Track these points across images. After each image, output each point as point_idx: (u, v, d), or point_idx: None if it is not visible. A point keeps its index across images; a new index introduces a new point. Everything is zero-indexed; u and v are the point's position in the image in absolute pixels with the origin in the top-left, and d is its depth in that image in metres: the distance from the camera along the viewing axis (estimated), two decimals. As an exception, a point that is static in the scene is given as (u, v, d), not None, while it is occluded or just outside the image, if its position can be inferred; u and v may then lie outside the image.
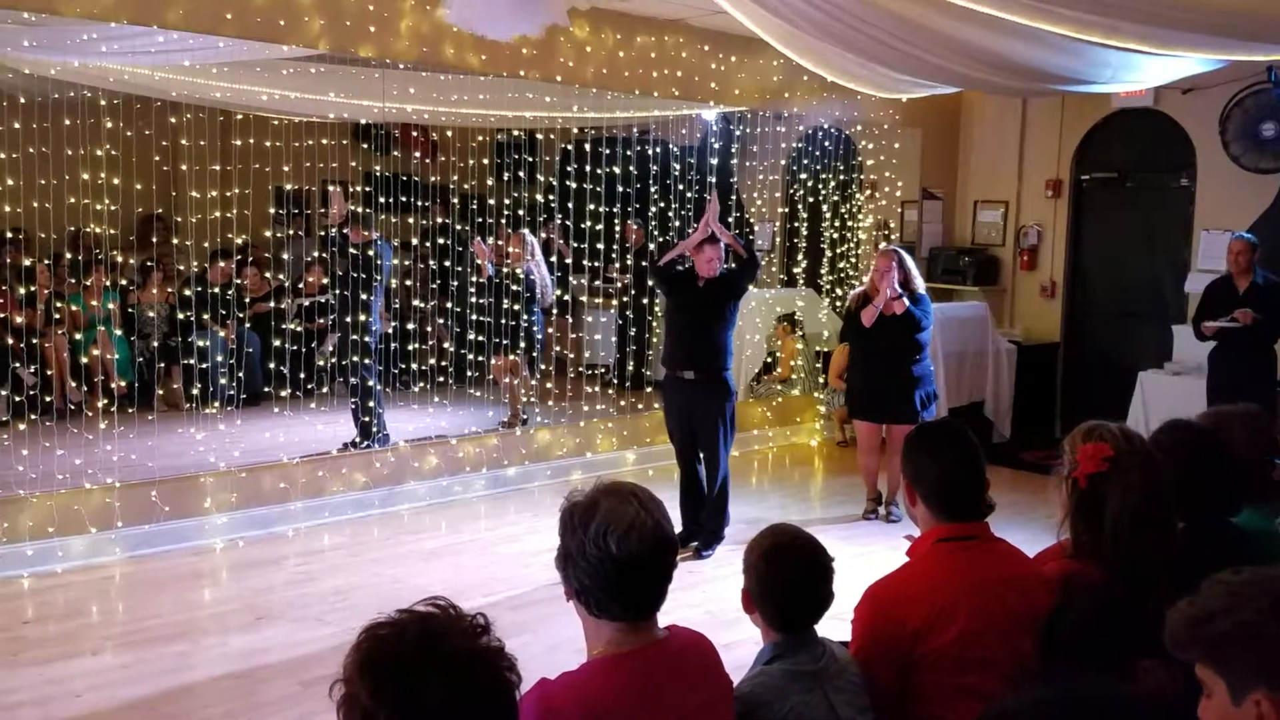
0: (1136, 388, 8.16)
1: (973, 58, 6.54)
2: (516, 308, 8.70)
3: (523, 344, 8.74)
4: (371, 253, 7.63)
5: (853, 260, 10.17)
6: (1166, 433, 2.90)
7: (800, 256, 10.61)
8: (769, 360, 9.97)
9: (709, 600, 5.35)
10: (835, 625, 2.51)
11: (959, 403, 8.63)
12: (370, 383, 7.77)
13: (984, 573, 2.52)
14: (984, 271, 9.81)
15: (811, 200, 10.26)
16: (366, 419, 7.69)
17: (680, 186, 9.61)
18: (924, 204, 10.03)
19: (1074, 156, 9.50)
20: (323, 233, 7.68)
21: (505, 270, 8.79)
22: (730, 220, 9.93)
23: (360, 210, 7.72)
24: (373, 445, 7.58)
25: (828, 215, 10.15)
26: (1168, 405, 7.39)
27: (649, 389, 10.10)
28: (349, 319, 7.60)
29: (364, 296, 7.59)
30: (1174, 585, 2.51)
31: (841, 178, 10.15)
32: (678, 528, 5.73)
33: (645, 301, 10.70)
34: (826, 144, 10.01)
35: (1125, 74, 6.88)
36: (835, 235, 10.13)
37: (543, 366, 9.19)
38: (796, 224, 10.58)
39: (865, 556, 6.05)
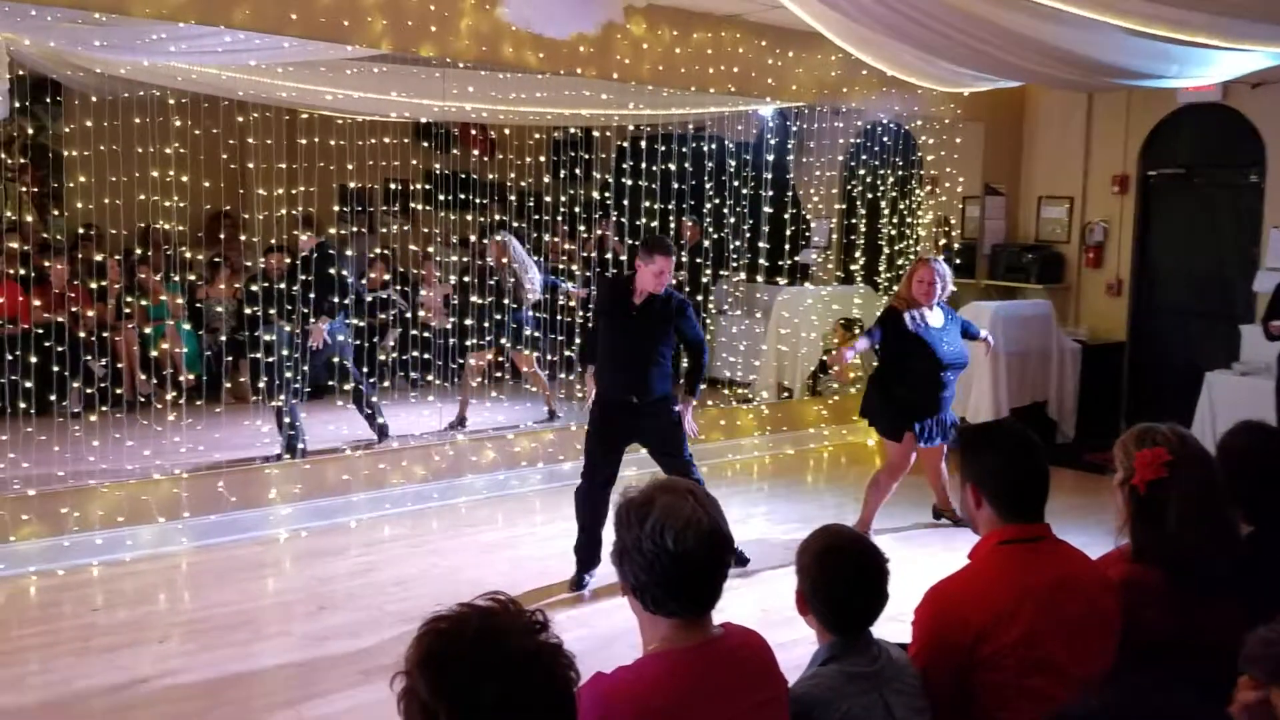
0: (1203, 388, 7.98)
1: (1037, 52, 6.44)
2: (505, 302, 8.67)
3: (505, 340, 8.72)
4: (327, 255, 7.70)
5: (911, 257, 10.06)
6: (1238, 435, 2.85)
7: (858, 254, 10.53)
8: (824, 359, 9.91)
9: (764, 598, 5.34)
10: (893, 627, 2.50)
11: (1021, 403, 8.49)
12: (360, 385, 8.00)
13: (1047, 575, 2.49)
14: (1048, 269, 9.64)
15: (870, 196, 10.16)
16: (373, 415, 7.92)
17: (736, 183, 9.58)
18: (986, 199, 9.90)
19: (1141, 152, 9.31)
20: (303, 254, 7.70)
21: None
22: (785, 217, 9.89)
23: (306, 210, 7.74)
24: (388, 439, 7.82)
25: (886, 211, 10.05)
26: (1235, 406, 7.21)
27: (703, 386, 10.08)
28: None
29: (330, 300, 7.64)
30: (1239, 587, 2.48)
31: (901, 173, 10.04)
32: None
33: (699, 298, 10.69)
34: (885, 139, 9.91)
35: (1192, 68, 6.73)
36: (894, 232, 10.03)
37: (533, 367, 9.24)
38: (854, 220, 10.48)
39: (922, 558, 5.99)
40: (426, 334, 9.12)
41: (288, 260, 7.45)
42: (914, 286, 6.30)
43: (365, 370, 8.50)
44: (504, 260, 8.75)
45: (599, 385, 5.78)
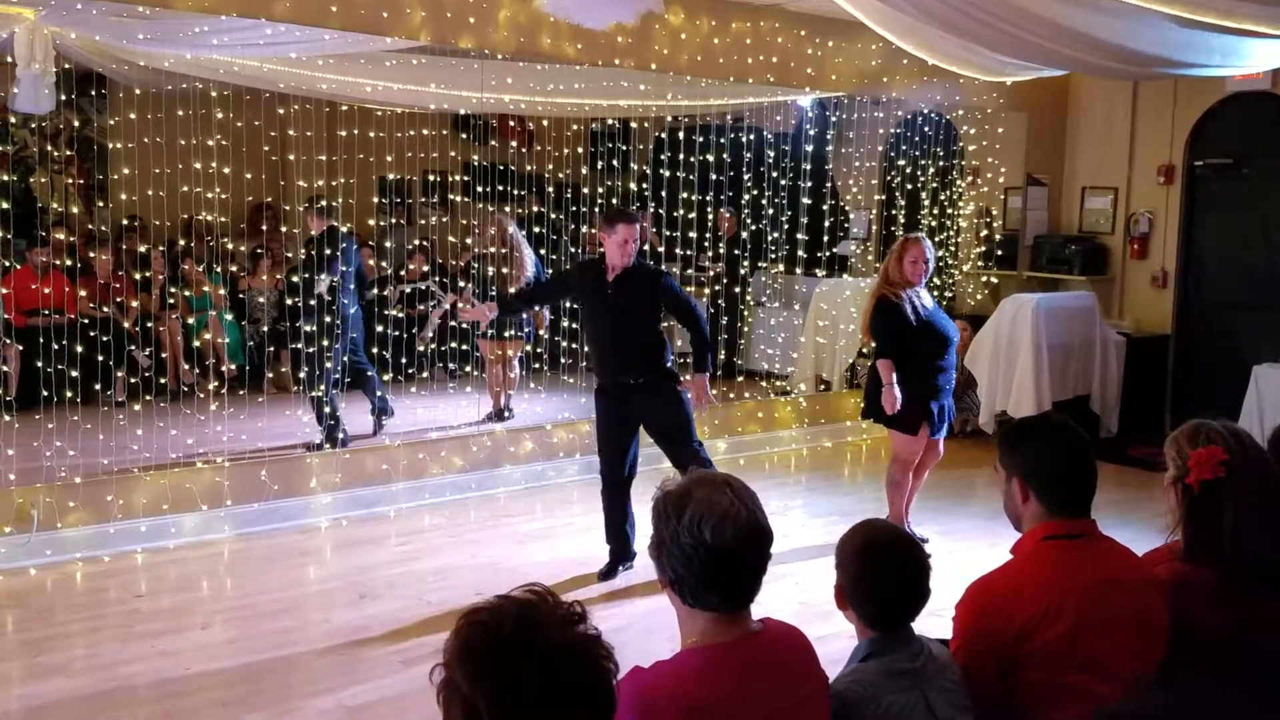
0: (1251, 382, 7.82)
1: (1080, 40, 6.35)
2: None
3: (508, 332, 8.61)
4: (344, 245, 7.59)
5: (952, 249, 9.97)
6: None
7: (897, 245, 10.45)
8: (864, 351, 9.84)
9: (802, 592, 5.31)
10: (933, 622, 2.47)
11: (1063, 396, 8.38)
12: (370, 372, 7.98)
13: (1093, 571, 2.45)
14: (1092, 260, 9.51)
15: (910, 187, 10.08)
16: (378, 399, 7.88)
17: (774, 174, 9.53)
18: (1029, 190, 9.77)
19: (1187, 141, 9.15)
20: (305, 250, 7.64)
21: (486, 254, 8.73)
22: (824, 209, 9.83)
23: (319, 201, 7.70)
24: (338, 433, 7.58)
25: (926, 202, 9.96)
26: (1285, 401, 7.09)
27: (740, 378, 10.07)
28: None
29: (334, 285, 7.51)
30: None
31: (941, 163, 9.94)
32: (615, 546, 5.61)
33: (737, 290, 10.66)
34: (926, 129, 9.81)
35: (1233, 59, 6.62)
36: (934, 223, 9.94)
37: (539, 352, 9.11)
38: (894, 211, 10.41)
39: (963, 552, 5.95)
40: (465, 325, 9.16)
41: (328, 251, 7.51)
42: (906, 267, 5.87)
43: (403, 360, 8.53)
44: (493, 246, 8.65)
45: (597, 375, 5.63)
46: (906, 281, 5.87)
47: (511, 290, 8.50)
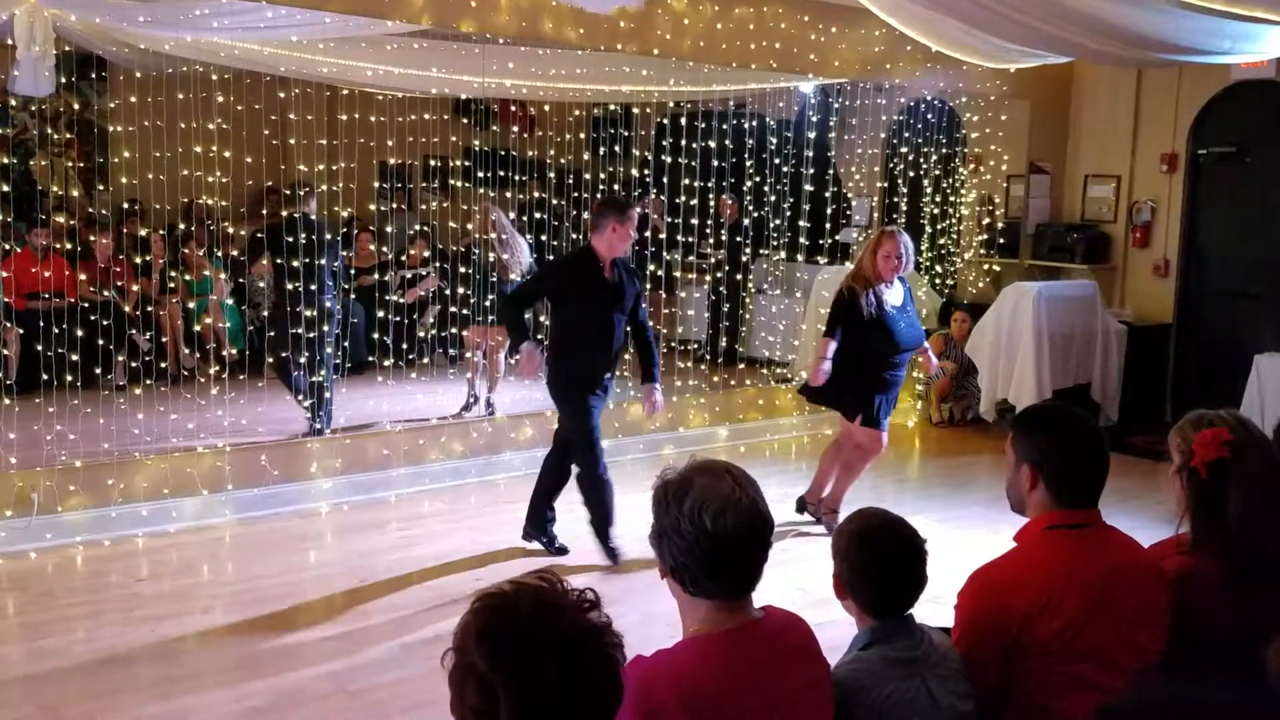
0: (1252, 371, 7.82)
1: (1086, 26, 6.32)
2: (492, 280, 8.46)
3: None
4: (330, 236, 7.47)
5: (954, 236, 9.95)
6: None
7: (899, 232, 10.42)
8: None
9: (801, 578, 5.32)
10: (932, 609, 2.47)
11: (1064, 385, 8.37)
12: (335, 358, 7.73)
13: (1097, 561, 2.44)
14: (1094, 249, 9.49)
15: (912, 174, 10.05)
16: (313, 399, 7.49)
17: (776, 161, 9.50)
18: (1031, 178, 9.74)
19: (1191, 130, 9.12)
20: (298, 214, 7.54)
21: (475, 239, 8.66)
22: (825, 196, 9.81)
23: (306, 186, 7.54)
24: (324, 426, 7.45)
25: (929, 190, 9.93)
26: (1286, 390, 7.08)
27: (741, 365, 10.07)
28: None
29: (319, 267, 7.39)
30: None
31: (944, 151, 9.91)
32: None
33: (739, 277, 10.64)
34: (929, 116, 9.78)
35: (1245, 44, 6.58)
36: (936, 211, 9.92)
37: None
38: (896, 199, 10.38)
39: (962, 540, 5.95)
40: (465, 311, 9.14)
41: (328, 236, 7.49)
42: (879, 261, 5.77)
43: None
44: (491, 233, 8.57)
45: (578, 372, 5.54)
46: (877, 276, 5.80)
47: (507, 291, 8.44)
